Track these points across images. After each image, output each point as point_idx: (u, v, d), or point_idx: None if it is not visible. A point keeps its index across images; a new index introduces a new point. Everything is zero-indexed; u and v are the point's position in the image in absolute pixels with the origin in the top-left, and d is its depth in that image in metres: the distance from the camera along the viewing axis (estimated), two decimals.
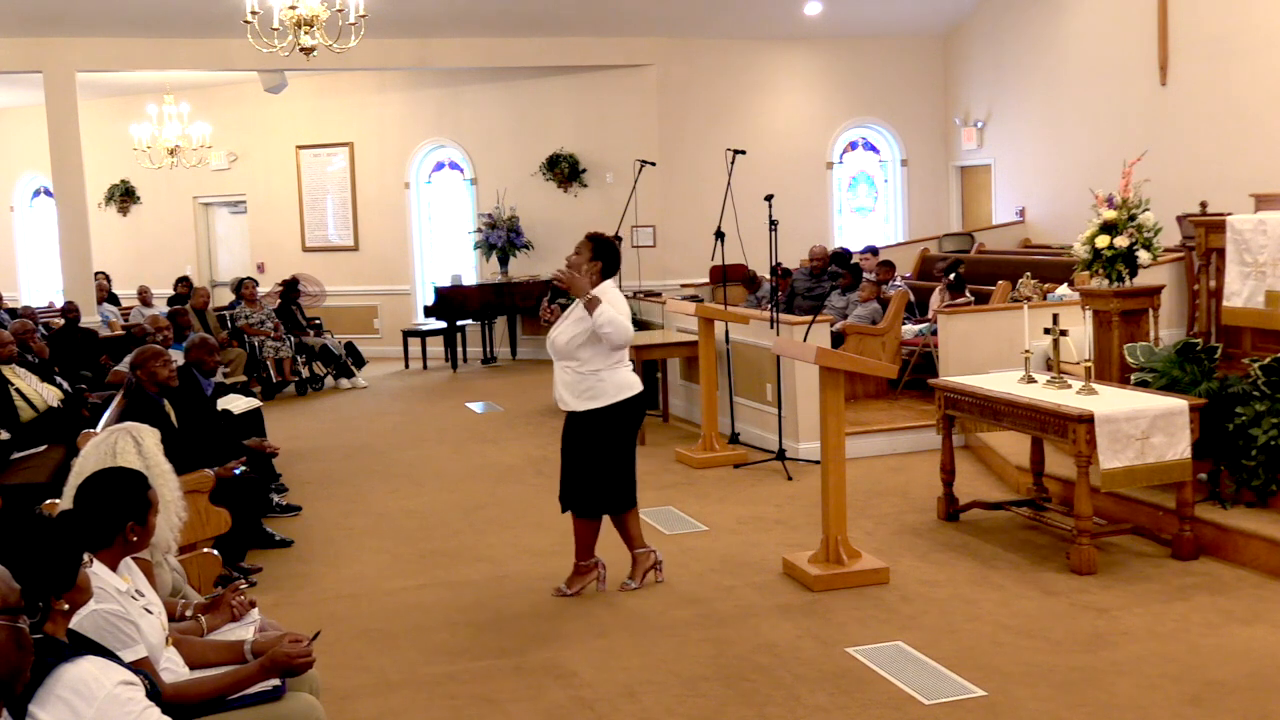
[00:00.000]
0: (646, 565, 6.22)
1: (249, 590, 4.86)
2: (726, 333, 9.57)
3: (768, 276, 10.72)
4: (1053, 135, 13.79)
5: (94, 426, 6.72)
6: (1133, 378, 6.96)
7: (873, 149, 15.96)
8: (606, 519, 6.14)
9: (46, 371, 9.18)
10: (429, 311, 14.98)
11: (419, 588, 6.36)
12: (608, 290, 5.89)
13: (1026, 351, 6.85)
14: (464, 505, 8.09)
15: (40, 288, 17.79)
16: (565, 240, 6.34)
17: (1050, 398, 6.37)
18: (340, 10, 9.10)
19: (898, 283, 12.18)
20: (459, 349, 15.00)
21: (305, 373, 13.65)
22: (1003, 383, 6.89)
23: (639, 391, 6.00)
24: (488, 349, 15.32)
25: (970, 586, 6.00)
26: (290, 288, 14.55)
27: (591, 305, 5.76)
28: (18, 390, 8.43)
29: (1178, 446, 6.11)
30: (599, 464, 5.93)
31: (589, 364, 5.84)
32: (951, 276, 10.94)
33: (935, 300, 11.13)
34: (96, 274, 13.92)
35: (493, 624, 5.74)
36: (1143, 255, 7.28)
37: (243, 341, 13.30)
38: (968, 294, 10.81)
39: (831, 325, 9.56)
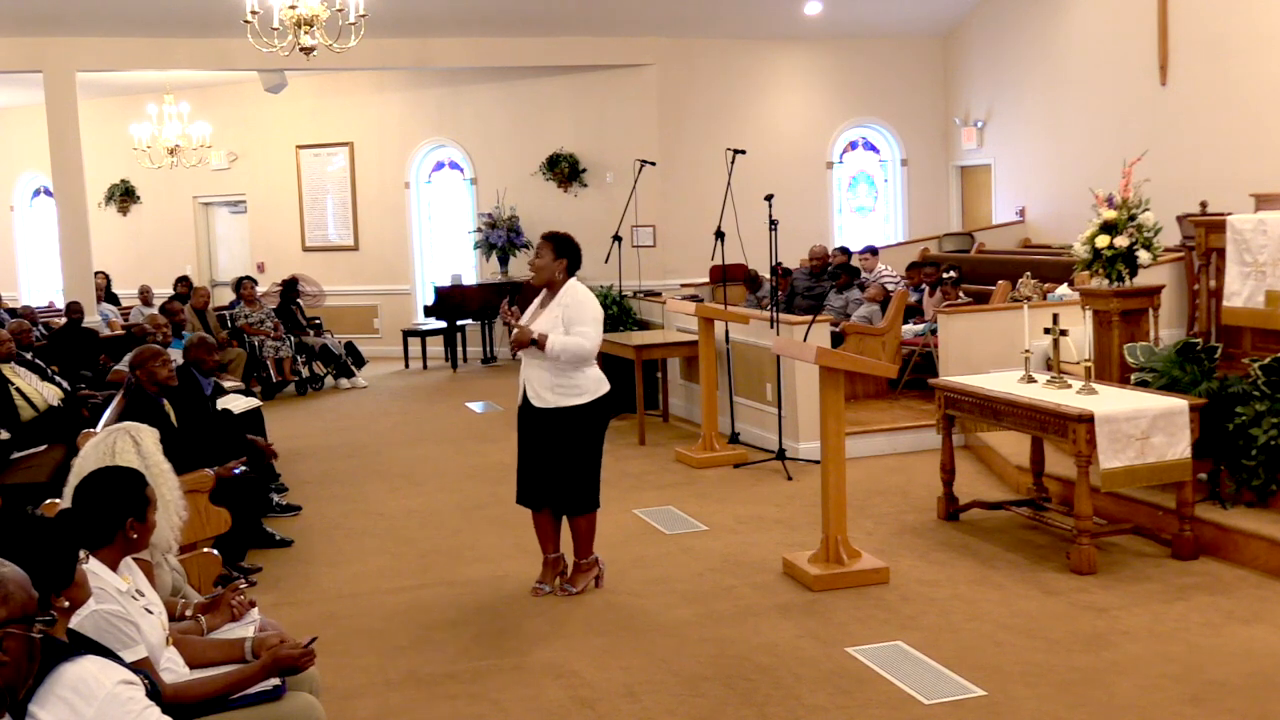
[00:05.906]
0: (592, 574, 6.17)
1: (249, 590, 4.86)
2: (726, 332, 9.56)
3: (768, 276, 10.72)
4: (1053, 135, 13.79)
5: (94, 426, 6.71)
6: (1133, 378, 6.97)
7: (873, 149, 15.96)
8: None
9: (45, 360, 9.17)
10: (429, 311, 14.99)
11: (419, 588, 6.35)
12: (576, 288, 5.99)
13: (1026, 351, 6.85)
14: (464, 505, 8.09)
15: (40, 288, 17.79)
16: None
17: (1050, 397, 6.37)
18: (340, 10, 9.10)
19: (885, 269, 12.21)
20: (459, 349, 15.01)
21: (305, 372, 13.65)
22: (1003, 382, 6.89)
23: (609, 388, 6.10)
24: (488, 349, 15.32)
25: (970, 586, 6.00)
26: (289, 287, 14.54)
27: (541, 343, 5.81)
28: (18, 390, 8.43)
29: (1178, 446, 6.11)
30: (590, 459, 6.01)
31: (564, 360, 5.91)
32: (953, 273, 10.99)
33: (928, 302, 11.14)
34: (95, 274, 13.91)
35: (493, 624, 5.74)
36: (1143, 255, 7.29)
37: (243, 341, 13.29)
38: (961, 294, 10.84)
39: (832, 325, 9.56)
